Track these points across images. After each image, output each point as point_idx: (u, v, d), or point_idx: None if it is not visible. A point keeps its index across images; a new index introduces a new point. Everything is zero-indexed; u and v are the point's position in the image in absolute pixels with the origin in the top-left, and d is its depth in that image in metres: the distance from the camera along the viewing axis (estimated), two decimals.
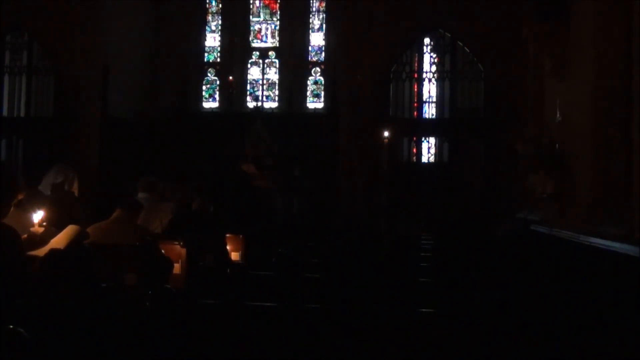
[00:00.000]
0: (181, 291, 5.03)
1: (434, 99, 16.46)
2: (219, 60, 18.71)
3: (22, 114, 16.35)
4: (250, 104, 18.29)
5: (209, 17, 18.84)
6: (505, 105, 14.80)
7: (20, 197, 3.57)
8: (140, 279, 4.66)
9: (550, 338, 4.50)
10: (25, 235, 4.15)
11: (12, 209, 3.73)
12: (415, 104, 16.40)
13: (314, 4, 18.56)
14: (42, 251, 4.20)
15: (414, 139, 16.17)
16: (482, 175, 15.29)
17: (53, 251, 3.76)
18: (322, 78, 18.29)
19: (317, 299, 4.89)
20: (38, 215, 4.44)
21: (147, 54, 17.56)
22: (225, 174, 15.17)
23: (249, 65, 18.58)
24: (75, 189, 6.05)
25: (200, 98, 18.49)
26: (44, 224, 4.49)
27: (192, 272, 5.61)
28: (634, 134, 6.85)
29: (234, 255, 7.17)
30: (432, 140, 16.29)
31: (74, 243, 4.62)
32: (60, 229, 4.85)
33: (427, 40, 16.27)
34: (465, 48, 15.85)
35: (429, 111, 16.56)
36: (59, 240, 4.62)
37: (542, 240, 9.25)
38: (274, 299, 4.61)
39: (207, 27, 18.77)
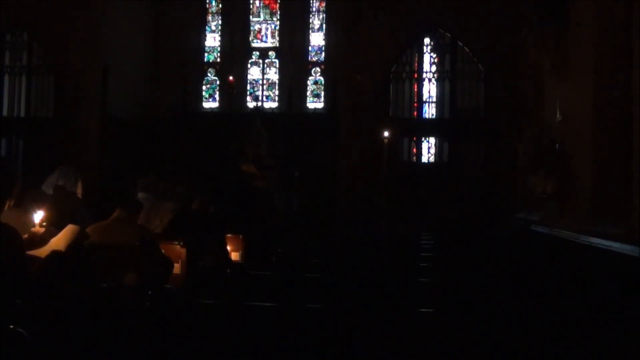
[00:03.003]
0: (181, 291, 5.03)
1: (434, 99, 16.45)
2: (219, 60, 18.72)
3: (22, 114, 16.35)
4: (250, 104, 18.29)
5: (209, 17, 18.84)
6: (505, 105, 14.80)
7: (15, 190, 3.55)
8: (140, 279, 4.66)
9: (550, 338, 4.51)
10: (26, 235, 4.15)
11: (10, 207, 3.72)
12: (415, 104, 16.40)
13: (314, 4, 18.56)
14: (42, 251, 4.20)
15: (414, 139, 16.17)
16: (482, 175, 15.29)
17: (54, 253, 3.76)
18: (322, 78, 18.29)
19: (317, 299, 4.89)
20: (38, 216, 4.44)
21: (147, 53, 17.56)
22: (225, 174, 15.16)
23: (249, 65, 18.59)
24: (78, 191, 6.06)
25: (200, 98, 18.49)
26: (44, 224, 4.50)
27: (192, 272, 5.60)
28: (634, 134, 6.85)
29: (234, 255, 7.16)
30: (432, 140, 16.29)
31: (74, 243, 4.63)
32: (60, 229, 4.86)
33: (427, 40, 16.26)
34: (465, 48, 15.84)
35: (429, 111, 16.55)
36: (58, 241, 4.62)
37: (542, 240, 9.25)
38: (274, 299, 4.61)
39: (207, 27, 18.78)
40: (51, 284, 3.29)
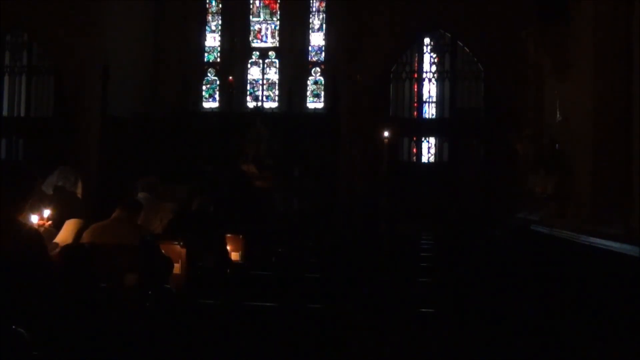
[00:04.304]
0: (181, 291, 5.03)
1: (434, 99, 16.45)
2: (219, 60, 18.72)
3: (22, 114, 16.35)
4: (250, 104, 18.29)
5: (209, 17, 18.85)
6: (505, 105, 14.79)
7: (36, 191, 3.56)
8: (140, 279, 4.66)
9: (550, 337, 4.51)
10: None
11: (30, 208, 3.72)
12: (415, 104, 16.40)
13: (314, 4, 18.56)
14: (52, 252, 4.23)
15: (414, 139, 16.17)
16: (482, 175, 15.29)
17: (65, 248, 3.78)
18: (322, 78, 18.29)
19: (317, 299, 4.89)
20: (37, 217, 4.46)
21: (147, 54, 17.57)
22: (225, 174, 15.16)
23: (249, 65, 18.58)
24: (78, 191, 6.07)
25: (200, 98, 18.49)
26: (49, 223, 4.52)
27: (192, 272, 5.60)
28: (634, 134, 6.85)
29: (234, 255, 7.16)
30: (432, 140, 16.29)
31: (79, 235, 4.67)
32: (60, 229, 4.87)
33: (427, 40, 16.26)
34: (465, 48, 15.85)
35: (429, 111, 16.55)
36: (64, 238, 4.65)
37: (542, 240, 9.25)
38: (274, 299, 4.61)
39: (207, 27, 18.78)
40: (69, 280, 3.30)
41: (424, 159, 16.30)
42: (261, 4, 18.72)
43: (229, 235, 7.15)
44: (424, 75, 16.25)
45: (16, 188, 2.95)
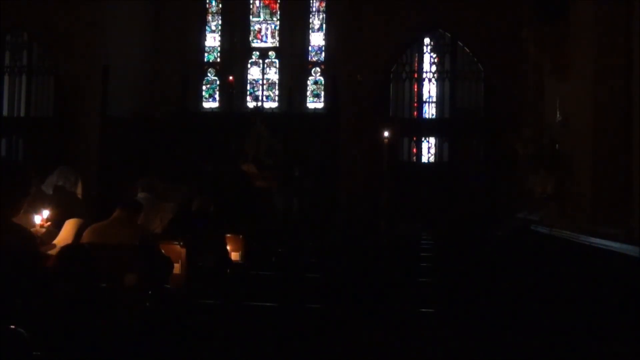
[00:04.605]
0: (181, 291, 5.04)
1: (434, 99, 16.46)
2: (219, 60, 18.71)
3: (22, 114, 16.35)
4: (250, 104, 18.28)
5: (209, 17, 18.83)
6: (505, 105, 14.80)
7: (32, 190, 3.56)
8: (140, 279, 4.66)
9: (550, 338, 4.51)
10: None
11: (26, 208, 3.72)
12: (415, 104, 16.41)
13: (314, 4, 18.55)
14: (52, 251, 4.23)
15: (414, 139, 16.17)
16: (482, 175, 15.29)
17: (64, 248, 3.78)
18: (322, 78, 18.28)
19: (317, 299, 4.89)
20: (39, 217, 4.46)
21: (147, 54, 17.56)
22: (225, 174, 15.15)
23: (249, 65, 18.58)
24: (78, 191, 6.08)
25: (200, 98, 18.48)
26: (49, 223, 4.53)
27: (192, 272, 5.61)
28: (634, 134, 6.85)
29: (234, 255, 7.16)
30: (432, 140, 16.30)
31: (80, 235, 4.67)
32: (60, 229, 4.87)
33: (427, 40, 16.27)
34: (465, 48, 15.85)
35: (429, 111, 16.56)
36: (64, 238, 4.65)
37: (542, 240, 9.25)
38: (274, 299, 4.61)
39: (207, 27, 18.77)
40: (68, 279, 3.30)
41: (424, 159, 16.30)
42: (261, 4, 18.71)
43: (229, 235, 7.16)
44: (424, 75, 16.26)
45: (12, 187, 2.95)
